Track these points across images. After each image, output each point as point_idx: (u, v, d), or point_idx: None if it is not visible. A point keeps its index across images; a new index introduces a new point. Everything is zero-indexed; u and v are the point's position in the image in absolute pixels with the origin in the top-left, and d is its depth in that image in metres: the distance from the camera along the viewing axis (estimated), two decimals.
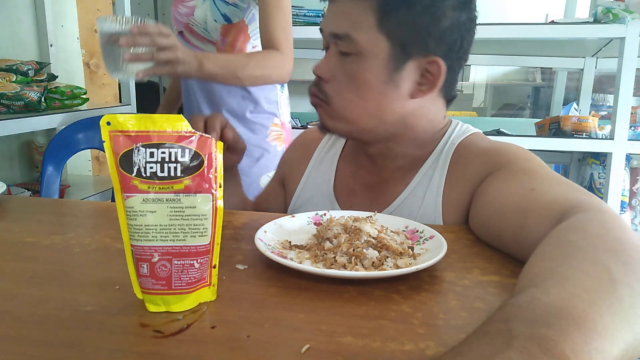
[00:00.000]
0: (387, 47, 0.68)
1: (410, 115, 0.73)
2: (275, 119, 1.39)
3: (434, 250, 0.54)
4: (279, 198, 0.93)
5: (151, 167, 0.41)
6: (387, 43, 0.68)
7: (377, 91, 0.70)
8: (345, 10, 0.70)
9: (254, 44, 1.30)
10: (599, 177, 1.99)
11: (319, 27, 0.77)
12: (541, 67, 3.79)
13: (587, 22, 1.73)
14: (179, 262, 0.43)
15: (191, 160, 0.42)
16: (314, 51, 2.51)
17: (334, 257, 0.52)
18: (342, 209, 0.77)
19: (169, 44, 1.00)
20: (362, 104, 0.71)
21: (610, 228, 0.42)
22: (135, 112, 2.27)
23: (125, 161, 0.41)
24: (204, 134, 0.43)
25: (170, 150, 0.41)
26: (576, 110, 2.27)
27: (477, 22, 0.74)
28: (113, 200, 0.98)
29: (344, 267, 0.51)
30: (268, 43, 1.21)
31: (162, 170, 0.41)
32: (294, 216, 0.66)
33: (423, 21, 0.67)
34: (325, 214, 0.67)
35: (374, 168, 0.80)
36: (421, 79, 0.71)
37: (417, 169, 0.76)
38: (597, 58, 2.27)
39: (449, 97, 0.77)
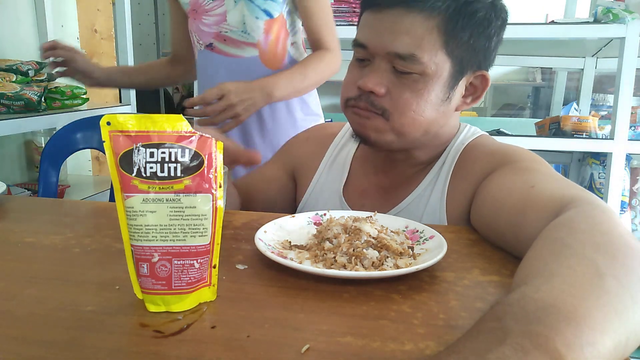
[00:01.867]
0: (449, 66, 0.68)
1: (443, 125, 0.75)
2: (319, 119, 1.36)
3: (434, 250, 0.54)
4: (283, 188, 0.91)
5: (151, 167, 0.41)
6: (449, 62, 0.68)
7: (436, 108, 0.70)
8: (409, 28, 0.66)
9: (293, 39, 1.25)
10: (599, 177, 1.99)
11: (356, 40, 0.72)
12: (541, 67, 3.79)
13: (587, 22, 1.73)
14: (179, 262, 0.43)
15: (191, 160, 0.42)
16: None
17: (334, 257, 0.52)
18: (353, 210, 0.76)
19: (222, 106, 1.00)
20: (419, 120, 0.70)
21: (598, 222, 0.43)
22: (135, 112, 2.28)
23: (125, 161, 0.41)
24: (204, 134, 0.43)
25: (170, 150, 0.41)
26: (576, 110, 2.27)
27: None
28: (113, 200, 0.98)
29: (344, 267, 0.51)
30: (316, 43, 1.23)
31: (162, 170, 0.41)
32: (294, 216, 0.66)
33: (481, 41, 0.69)
34: (325, 214, 0.67)
35: (389, 171, 0.80)
36: (465, 92, 0.73)
37: (428, 170, 0.77)
38: (597, 58, 2.27)
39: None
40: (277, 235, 0.61)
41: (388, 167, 0.80)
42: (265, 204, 0.89)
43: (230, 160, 0.68)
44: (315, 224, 0.66)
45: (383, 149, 0.75)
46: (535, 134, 2.13)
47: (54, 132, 1.54)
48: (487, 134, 0.81)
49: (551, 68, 2.69)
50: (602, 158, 1.98)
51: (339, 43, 1.24)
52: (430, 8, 0.66)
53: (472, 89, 0.73)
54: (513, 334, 0.29)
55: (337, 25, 1.87)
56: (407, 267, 0.49)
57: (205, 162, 0.42)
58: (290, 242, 0.59)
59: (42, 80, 1.73)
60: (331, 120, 0.93)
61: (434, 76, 0.68)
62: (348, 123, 0.89)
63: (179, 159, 0.42)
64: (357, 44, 0.72)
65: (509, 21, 0.73)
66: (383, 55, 0.68)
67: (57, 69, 1.31)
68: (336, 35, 1.24)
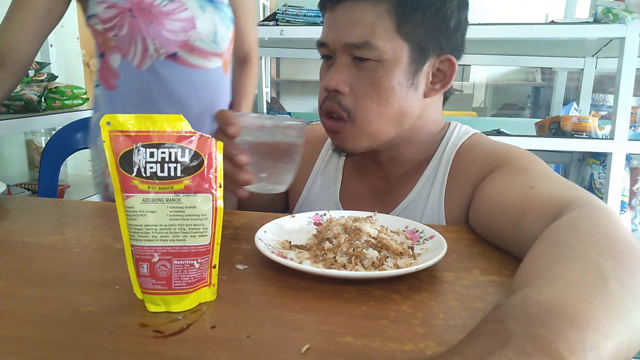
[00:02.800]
0: (407, 50, 0.68)
1: (419, 117, 0.74)
2: None
3: (434, 250, 0.54)
4: (279, 195, 0.90)
5: (151, 167, 0.41)
6: (407, 46, 0.68)
7: (400, 96, 0.69)
8: (360, 18, 0.67)
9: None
10: (599, 177, 1.99)
11: (319, 41, 0.73)
12: (541, 67, 3.79)
13: (587, 22, 1.73)
14: (179, 262, 0.43)
15: (191, 160, 0.42)
16: (312, 51, 2.51)
17: (334, 257, 0.52)
18: None
19: None
20: (386, 111, 0.69)
21: (601, 224, 0.43)
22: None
23: (125, 161, 0.41)
24: (203, 134, 0.43)
25: (170, 150, 0.41)
26: (576, 110, 2.27)
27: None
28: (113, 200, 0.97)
29: (344, 267, 0.51)
30: (249, 49, 1.24)
31: (162, 170, 0.41)
32: (294, 216, 0.66)
33: (436, 22, 0.68)
34: (325, 214, 0.67)
35: (381, 173, 0.80)
36: (433, 78, 0.72)
37: (421, 172, 0.77)
38: (597, 58, 2.27)
39: (448, 94, 0.78)
40: (277, 235, 0.61)
41: (380, 170, 0.80)
42: (257, 203, 0.88)
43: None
44: (315, 224, 0.66)
45: (364, 153, 0.75)
46: (535, 134, 2.13)
47: (54, 132, 1.54)
48: (479, 132, 0.81)
49: (551, 68, 2.69)
50: (602, 158, 1.98)
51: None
52: None
53: (441, 75, 0.72)
54: (515, 337, 0.29)
55: None
56: (407, 267, 0.49)
57: (205, 162, 0.42)
58: (290, 242, 0.59)
59: (42, 80, 1.74)
60: None
61: (392, 62, 0.67)
62: None
63: (179, 159, 0.42)
64: (319, 44, 0.73)
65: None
66: (341, 48, 0.69)
67: None
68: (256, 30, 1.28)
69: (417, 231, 0.61)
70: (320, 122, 0.76)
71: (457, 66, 0.71)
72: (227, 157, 0.60)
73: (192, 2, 1.07)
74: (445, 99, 0.79)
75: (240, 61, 1.27)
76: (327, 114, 0.72)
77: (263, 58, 3.01)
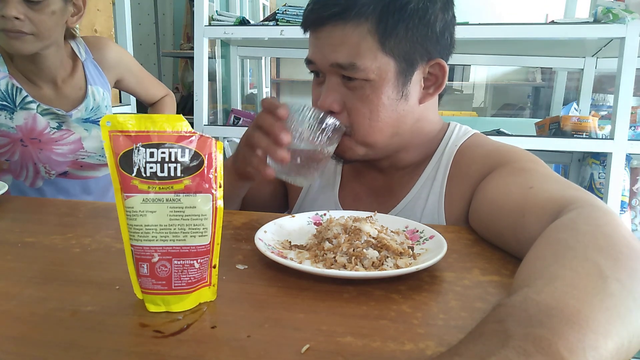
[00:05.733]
0: (393, 66, 0.68)
1: (416, 122, 0.74)
2: None
3: (434, 250, 0.54)
4: (274, 192, 0.90)
5: (151, 167, 0.41)
6: (392, 62, 0.68)
7: (392, 109, 0.70)
8: (343, 39, 0.67)
9: None
10: (599, 177, 1.99)
11: (307, 59, 0.74)
12: (541, 67, 3.78)
13: (587, 22, 1.73)
14: (179, 262, 0.43)
15: (191, 160, 0.42)
16: None
17: (334, 257, 0.52)
18: None
19: None
20: (379, 125, 0.70)
21: (601, 224, 0.43)
22: (135, 112, 2.28)
23: (125, 161, 0.41)
24: (203, 134, 0.43)
25: (170, 150, 0.41)
26: (576, 110, 2.27)
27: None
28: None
29: (344, 267, 0.51)
30: (159, 97, 1.47)
31: (162, 170, 0.41)
32: (294, 216, 0.66)
33: (421, 31, 0.68)
34: (325, 214, 0.67)
35: (380, 175, 0.80)
36: (425, 83, 0.72)
37: (420, 172, 0.77)
38: (597, 58, 2.27)
39: (443, 92, 0.78)
40: (277, 235, 0.61)
41: (380, 171, 0.80)
42: (252, 205, 0.88)
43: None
44: (315, 224, 0.66)
45: (362, 161, 0.76)
46: (535, 134, 2.13)
47: None
48: (479, 132, 0.81)
49: (551, 68, 2.68)
50: (602, 158, 1.97)
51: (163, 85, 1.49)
52: (357, 15, 0.66)
53: (433, 78, 0.72)
54: (515, 337, 0.29)
55: None
56: (407, 267, 0.49)
57: (205, 162, 0.42)
58: (290, 242, 0.59)
59: None
60: None
61: (379, 79, 0.68)
62: None
63: (179, 159, 0.42)
64: (307, 61, 0.74)
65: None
66: (329, 68, 0.70)
67: None
68: (157, 81, 1.47)
69: (417, 231, 0.61)
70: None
71: (447, 68, 0.71)
72: (270, 133, 0.63)
73: (77, 127, 1.19)
74: (439, 97, 0.79)
75: (155, 102, 1.51)
76: None
77: (263, 58, 3.01)
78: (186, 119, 0.43)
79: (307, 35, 0.74)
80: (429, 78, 0.72)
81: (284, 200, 0.92)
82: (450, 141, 0.77)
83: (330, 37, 0.69)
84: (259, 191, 0.89)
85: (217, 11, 2.03)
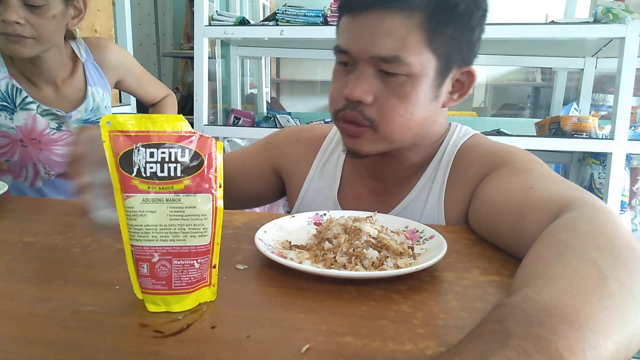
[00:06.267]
0: (434, 64, 0.66)
1: (433, 124, 0.74)
2: None
3: (434, 250, 0.54)
4: (263, 179, 0.89)
5: (151, 167, 0.41)
6: (434, 60, 0.66)
7: (424, 109, 0.68)
8: (390, 30, 0.63)
9: None
10: (599, 177, 1.99)
11: (339, 47, 0.68)
12: (541, 67, 3.79)
13: (587, 22, 1.73)
14: (179, 262, 0.43)
15: (191, 160, 0.42)
16: (312, 51, 2.51)
17: (334, 257, 0.52)
18: None
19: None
20: (409, 124, 0.68)
21: (600, 224, 0.43)
22: (135, 112, 2.28)
23: (125, 161, 0.41)
24: (203, 134, 0.43)
25: (170, 150, 0.41)
26: (576, 110, 2.27)
27: None
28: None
29: (344, 267, 0.51)
30: (160, 97, 1.47)
31: (162, 170, 0.41)
32: (294, 216, 0.66)
33: (464, 34, 0.67)
34: (325, 214, 0.67)
35: (381, 174, 0.80)
36: (452, 88, 0.72)
37: (421, 172, 0.77)
38: (597, 58, 2.27)
39: None
40: (277, 235, 0.61)
41: (381, 171, 0.79)
42: (242, 190, 0.87)
43: None
44: (315, 224, 0.66)
45: (374, 156, 0.74)
46: (535, 134, 2.13)
47: None
48: (479, 132, 0.80)
49: (551, 68, 2.68)
50: (602, 158, 1.97)
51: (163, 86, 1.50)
52: (410, 6, 0.63)
53: (459, 85, 0.72)
54: (515, 337, 0.29)
55: (334, 25, 1.88)
56: (407, 267, 0.49)
57: (205, 162, 0.42)
58: (290, 242, 0.59)
59: None
60: (331, 121, 0.91)
61: (421, 76, 0.66)
62: (335, 127, 0.89)
63: (179, 159, 0.42)
64: (339, 50, 0.69)
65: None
66: (366, 59, 0.66)
67: None
68: (158, 81, 1.48)
69: (417, 231, 0.61)
70: (329, 122, 0.75)
71: (476, 77, 0.71)
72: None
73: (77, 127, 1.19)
74: None
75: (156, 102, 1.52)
76: (347, 121, 0.70)
77: (263, 58, 3.01)
78: (186, 119, 0.43)
79: (337, 23, 0.69)
80: (455, 84, 0.71)
81: (275, 188, 0.91)
82: (451, 142, 0.77)
83: (375, 25, 0.64)
84: (246, 173, 0.88)
85: (217, 11, 2.03)
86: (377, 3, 0.64)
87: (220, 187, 0.43)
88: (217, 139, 0.44)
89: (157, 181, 0.41)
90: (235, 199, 0.88)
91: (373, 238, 0.55)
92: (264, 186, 0.90)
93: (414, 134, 0.71)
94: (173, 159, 0.42)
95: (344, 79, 0.69)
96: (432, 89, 0.68)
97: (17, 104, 1.13)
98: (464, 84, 0.71)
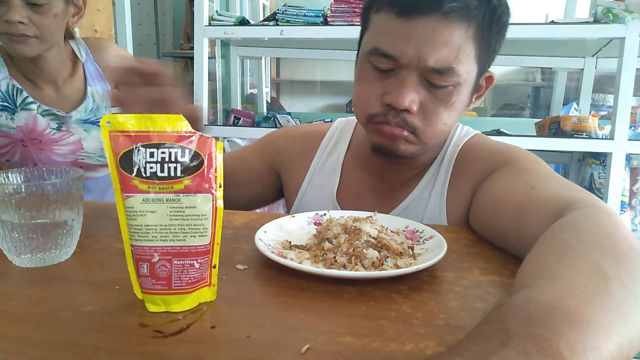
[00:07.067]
0: (476, 72, 0.67)
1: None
2: None
3: (434, 250, 0.54)
4: (262, 178, 0.88)
5: (151, 167, 0.41)
6: (476, 69, 0.66)
7: (461, 114, 0.69)
8: (447, 39, 0.61)
9: None
10: (599, 177, 1.99)
11: (378, 49, 0.63)
12: (541, 67, 3.79)
13: (587, 22, 1.73)
14: (179, 262, 0.43)
15: (191, 160, 0.42)
16: (312, 51, 2.52)
17: (334, 257, 0.52)
18: None
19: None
20: (447, 129, 0.69)
21: (603, 225, 0.43)
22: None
23: (125, 161, 0.41)
24: (203, 134, 0.43)
25: (170, 150, 0.41)
26: (576, 110, 2.27)
27: None
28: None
29: (344, 267, 0.51)
30: None
31: (162, 170, 0.41)
32: (294, 216, 0.66)
33: (500, 43, 0.68)
34: (325, 214, 0.67)
35: (383, 173, 0.79)
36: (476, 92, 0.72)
37: (424, 172, 0.77)
38: (597, 58, 2.27)
39: None
40: (277, 235, 0.61)
41: (386, 171, 0.78)
42: (241, 191, 0.86)
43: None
44: (315, 224, 0.66)
45: (378, 157, 0.73)
46: (535, 134, 2.13)
47: None
48: (480, 132, 0.81)
49: (551, 68, 2.69)
50: (602, 158, 1.97)
51: None
52: (467, 17, 0.61)
53: (479, 88, 0.72)
54: (516, 337, 0.29)
55: (336, 25, 1.86)
56: (407, 267, 0.49)
57: (205, 162, 0.42)
58: (290, 242, 0.59)
59: None
60: (331, 121, 0.91)
61: (465, 85, 0.65)
62: (334, 125, 0.88)
63: (179, 159, 0.42)
64: (381, 53, 0.64)
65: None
66: (415, 67, 0.62)
67: None
68: None
69: (417, 231, 0.61)
70: (329, 121, 0.75)
71: (494, 80, 0.72)
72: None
73: (77, 128, 1.20)
74: None
75: None
76: (388, 127, 0.67)
77: (263, 58, 3.01)
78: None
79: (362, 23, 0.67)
80: (478, 88, 0.72)
81: (275, 188, 0.90)
82: (453, 141, 0.77)
83: (433, 34, 0.60)
84: (245, 172, 0.87)
85: (217, 11, 2.03)
86: (437, 9, 0.60)
87: (220, 187, 0.43)
88: (217, 139, 0.44)
89: (157, 181, 0.41)
90: (234, 200, 0.88)
91: (373, 238, 0.55)
92: (262, 187, 0.89)
93: (444, 137, 0.71)
94: (173, 159, 0.42)
95: (378, 83, 0.66)
96: (469, 96, 0.69)
97: (17, 104, 1.13)
98: (482, 87, 0.72)
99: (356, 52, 0.73)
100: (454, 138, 0.77)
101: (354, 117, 0.82)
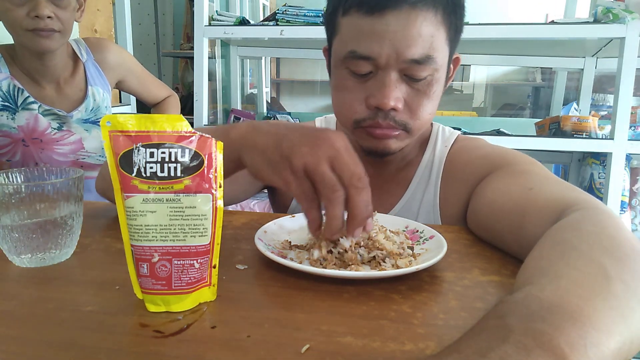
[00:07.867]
0: (447, 55, 0.67)
1: None
2: None
3: (434, 250, 0.54)
4: (249, 186, 0.83)
5: (151, 167, 0.41)
6: (448, 52, 0.67)
7: (439, 100, 0.69)
8: (420, 29, 0.61)
9: None
10: (599, 177, 1.99)
11: (360, 54, 0.63)
12: (541, 67, 3.79)
13: (587, 22, 1.73)
14: (179, 262, 0.43)
15: (191, 160, 0.42)
16: (312, 51, 2.51)
17: (334, 257, 0.52)
18: None
19: None
20: (431, 117, 0.69)
21: (606, 226, 0.43)
22: (135, 112, 2.27)
23: (125, 161, 0.41)
24: (203, 134, 0.43)
25: (170, 150, 0.41)
26: (576, 110, 2.27)
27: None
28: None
29: (344, 267, 0.51)
30: (162, 98, 1.47)
31: (162, 170, 0.41)
32: (294, 216, 0.66)
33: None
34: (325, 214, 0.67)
35: (374, 171, 0.79)
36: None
37: (414, 169, 0.77)
38: (597, 58, 2.27)
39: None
40: (277, 235, 0.61)
41: (371, 167, 0.75)
42: (237, 184, 0.83)
43: None
44: None
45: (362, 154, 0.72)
46: (535, 134, 2.13)
47: None
48: (460, 132, 0.82)
49: (551, 68, 2.68)
50: (602, 158, 1.98)
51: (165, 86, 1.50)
52: (434, 3, 0.62)
53: (448, 72, 0.72)
54: (516, 332, 0.29)
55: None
56: (407, 267, 0.49)
57: (205, 162, 0.42)
58: (290, 242, 0.59)
59: None
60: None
61: (441, 71, 0.66)
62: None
63: (179, 159, 0.42)
64: (358, 56, 0.63)
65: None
66: (394, 63, 0.62)
67: None
68: (160, 82, 1.48)
69: (417, 231, 0.61)
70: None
71: (460, 61, 0.72)
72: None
73: (78, 127, 1.21)
74: None
75: (158, 102, 1.52)
76: (377, 131, 0.67)
77: (263, 58, 3.01)
78: (186, 119, 0.43)
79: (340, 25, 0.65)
80: (448, 71, 0.71)
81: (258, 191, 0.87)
82: (439, 141, 0.78)
83: (406, 26, 0.61)
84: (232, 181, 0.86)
85: (217, 11, 2.03)
86: (405, 1, 0.60)
87: (220, 187, 0.43)
88: (217, 139, 0.44)
89: (157, 181, 0.41)
90: (233, 197, 0.86)
91: (372, 239, 0.55)
92: (251, 192, 0.87)
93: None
94: (173, 159, 0.42)
95: (359, 87, 0.66)
96: (445, 81, 0.69)
97: (18, 104, 1.13)
98: (450, 69, 0.72)
99: (326, 60, 0.73)
100: (439, 137, 0.78)
101: (332, 115, 0.82)
